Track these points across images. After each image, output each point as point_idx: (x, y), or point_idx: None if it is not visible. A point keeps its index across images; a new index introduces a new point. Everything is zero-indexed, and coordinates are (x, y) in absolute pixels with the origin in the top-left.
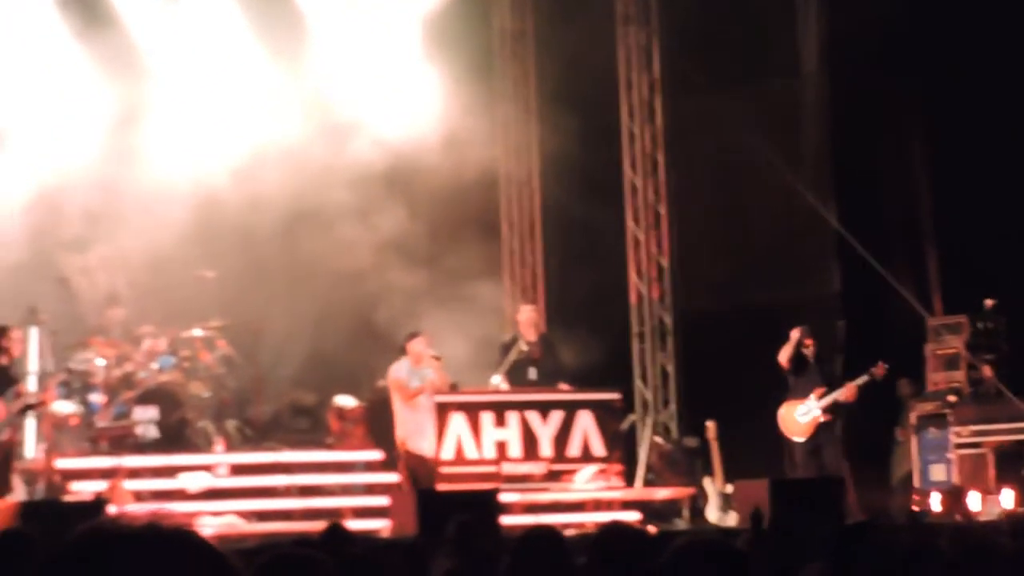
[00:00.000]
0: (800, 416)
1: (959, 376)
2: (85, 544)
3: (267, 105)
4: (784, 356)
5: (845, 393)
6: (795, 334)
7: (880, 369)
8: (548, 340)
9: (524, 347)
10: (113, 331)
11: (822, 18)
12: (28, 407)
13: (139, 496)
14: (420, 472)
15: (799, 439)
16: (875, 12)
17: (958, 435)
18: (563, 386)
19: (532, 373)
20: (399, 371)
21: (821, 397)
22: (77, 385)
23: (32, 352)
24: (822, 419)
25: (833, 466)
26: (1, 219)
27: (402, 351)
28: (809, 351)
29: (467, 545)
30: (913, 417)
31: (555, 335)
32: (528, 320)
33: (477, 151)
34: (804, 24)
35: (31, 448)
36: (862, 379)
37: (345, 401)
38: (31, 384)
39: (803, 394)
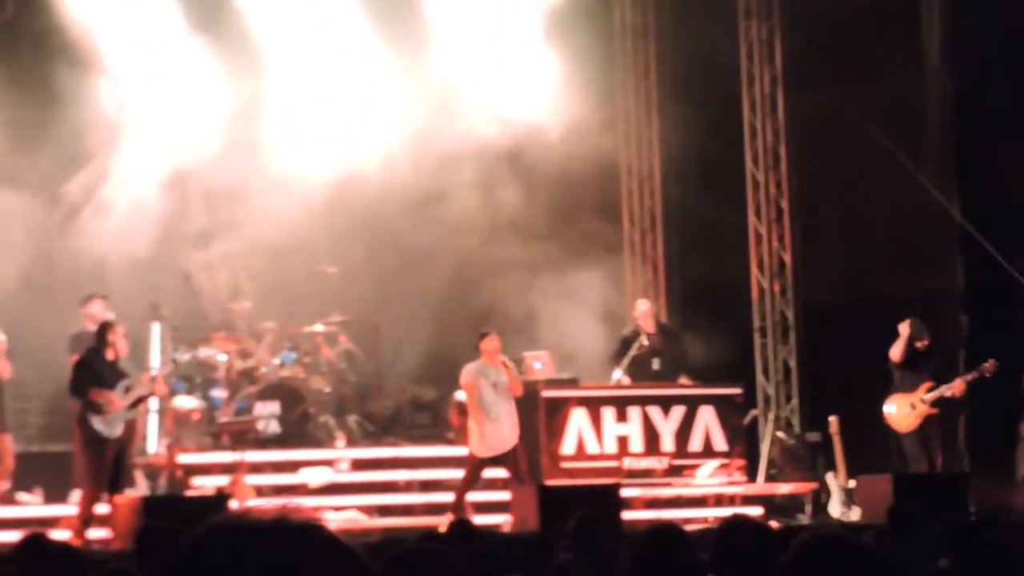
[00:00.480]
0: (909, 410)
1: None
2: (215, 538)
3: (388, 100)
4: (897, 351)
5: (953, 388)
6: (904, 328)
7: (991, 365)
8: (669, 330)
9: (645, 341)
10: (236, 327)
11: (945, 11)
12: (139, 400)
13: (261, 491)
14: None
15: (906, 433)
16: (998, 5)
17: None
18: (684, 380)
19: (656, 364)
20: (469, 372)
21: (929, 391)
22: (199, 380)
23: (154, 348)
24: (930, 413)
25: (941, 460)
26: (125, 215)
27: (476, 351)
28: (921, 345)
29: (587, 540)
30: None
31: (676, 328)
32: (645, 313)
33: (598, 146)
34: (927, 17)
35: (153, 443)
36: (971, 375)
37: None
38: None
39: (911, 388)
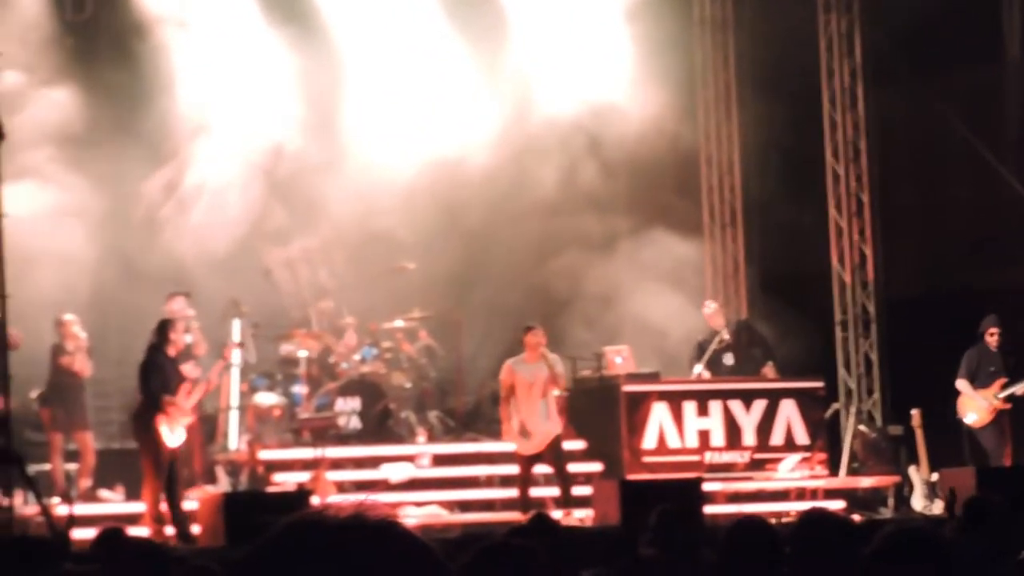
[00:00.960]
0: (981, 404)
1: None
2: (291, 534)
3: (467, 92)
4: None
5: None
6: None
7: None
8: (743, 325)
9: (726, 336)
10: (317, 323)
11: None
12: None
13: (342, 487)
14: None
15: (978, 427)
16: None
17: None
18: (767, 370)
19: (728, 359)
20: (505, 368)
21: (1003, 388)
22: (280, 377)
23: (235, 345)
24: (1003, 408)
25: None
26: (205, 212)
27: (521, 345)
28: (993, 340)
29: (669, 534)
30: None
31: (757, 322)
32: (713, 314)
33: (678, 139)
34: (1007, 9)
35: (234, 440)
36: None
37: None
38: (235, 377)
39: (985, 383)
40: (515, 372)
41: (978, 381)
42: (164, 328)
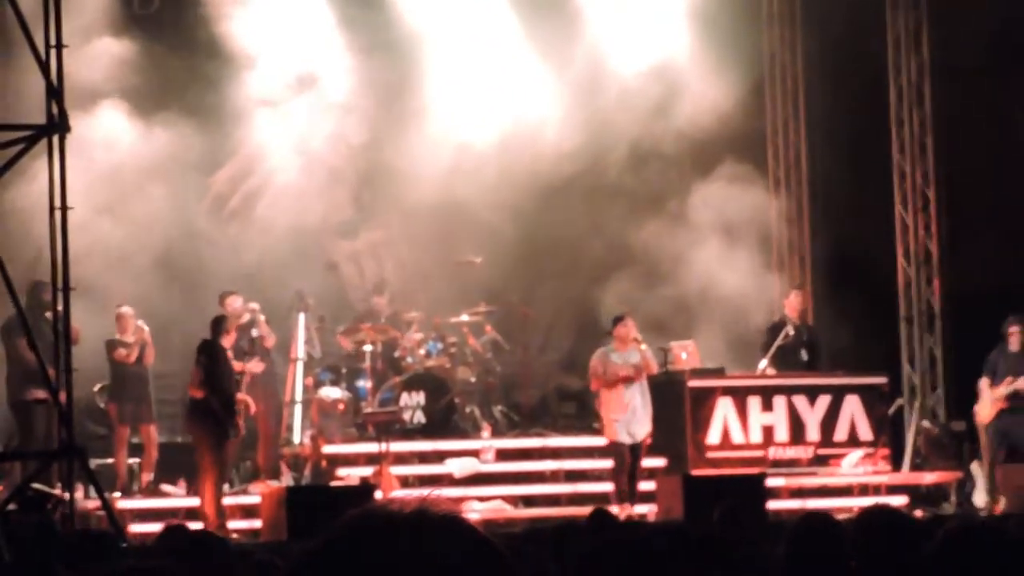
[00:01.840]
0: (989, 401)
1: None
2: (355, 527)
3: (530, 85)
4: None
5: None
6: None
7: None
8: (813, 329)
9: (791, 331)
10: (381, 317)
11: None
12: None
13: (405, 481)
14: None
15: (984, 423)
16: None
17: None
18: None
19: (804, 355)
20: (596, 356)
21: (1009, 385)
22: (344, 371)
23: (300, 337)
24: (1003, 406)
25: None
26: (271, 205)
27: (610, 335)
28: (1014, 339)
29: (732, 530)
30: None
31: (823, 317)
32: (795, 303)
33: (746, 133)
34: None
35: (298, 434)
36: None
37: None
38: (299, 371)
39: (1000, 380)
40: (604, 362)
41: (996, 379)
42: (219, 323)
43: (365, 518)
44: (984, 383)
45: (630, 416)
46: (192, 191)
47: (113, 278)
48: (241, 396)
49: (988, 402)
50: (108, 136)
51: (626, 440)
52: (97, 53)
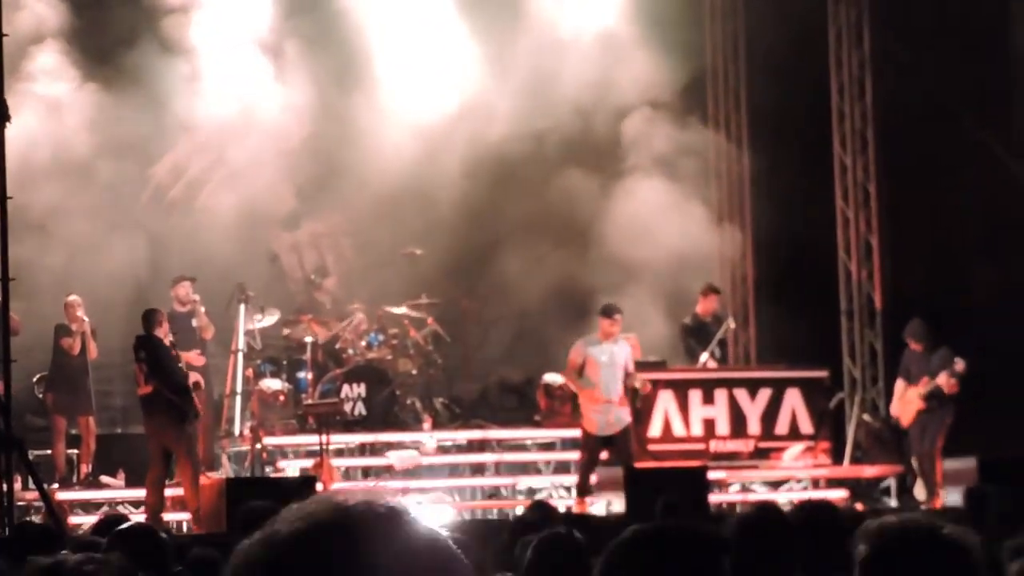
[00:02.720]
0: (908, 401)
1: None
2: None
3: (475, 78)
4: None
5: (943, 383)
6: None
7: (959, 366)
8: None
9: (732, 324)
10: (322, 308)
11: None
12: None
13: (346, 473)
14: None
15: (906, 426)
16: None
17: None
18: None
19: (718, 352)
20: (577, 346)
21: (927, 386)
22: (285, 362)
23: (240, 330)
24: (921, 407)
25: (928, 450)
26: (211, 196)
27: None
28: (916, 347)
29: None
30: None
31: (764, 312)
32: (710, 306)
33: (687, 125)
34: (1016, 2)
35: (238, 425)
36: (943, 375)
37: (553, 378)
38: (240, 361)
39: (916, 380)
40: (586, 351)
41: (911, 380)
42: (150, 317)
43: (309, 511)
44: (899, 385)
45: (607, 409)
46: (133, 181)
47: (55, 269)
48: (194, 376)
49: (905, 404)
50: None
51: (601, 433)
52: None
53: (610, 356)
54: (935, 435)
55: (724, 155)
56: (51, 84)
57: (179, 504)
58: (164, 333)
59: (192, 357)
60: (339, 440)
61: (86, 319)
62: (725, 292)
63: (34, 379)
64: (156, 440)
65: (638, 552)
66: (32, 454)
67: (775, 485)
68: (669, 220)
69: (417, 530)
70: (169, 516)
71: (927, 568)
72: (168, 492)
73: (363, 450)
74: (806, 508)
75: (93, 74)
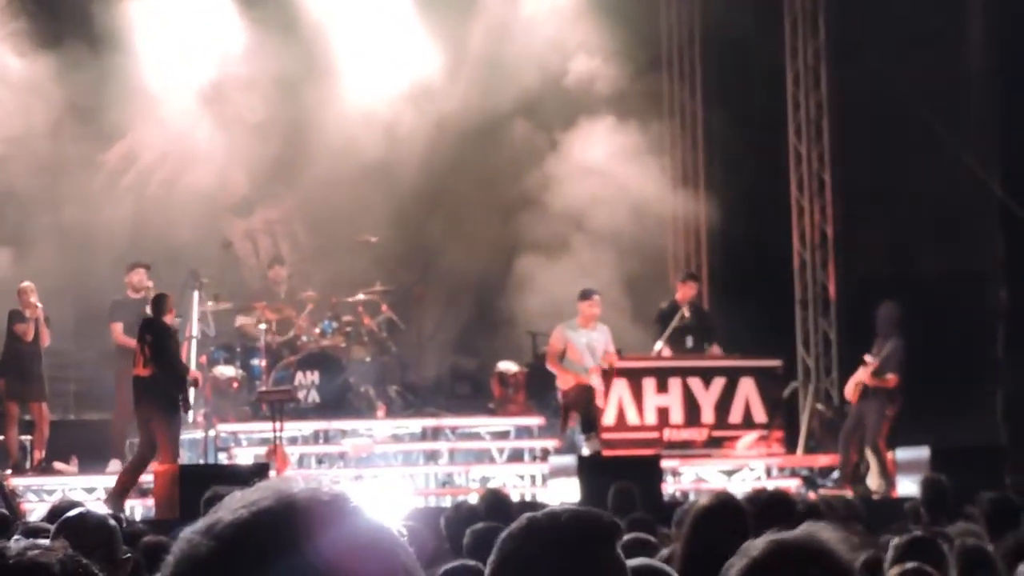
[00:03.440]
0: (855, 378)
1: None
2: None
3: (426, 66)
4: None
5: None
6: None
7: (871, 363)
8: (702, 308)
9: (687, 313)
10: (277, 295)
11: None
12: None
13: (300, 460)
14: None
15: (851, 398)
16: None
17: None
18: (715, 350)
19: (689, 341)
20: (556, 333)
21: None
22: (239, 349)
23: (193, 317)
24: (864, 380)
25: (869, 437)
26: (165, 183)
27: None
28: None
29: (626, 511)
30: None
31: (719, 301)
32: (687, 292)
33: (642, 114)
34: None
35: (192, 412)
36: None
37: (507, 366)
38: (193, 348)
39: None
40: (567, 337)
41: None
42: (161, 302)
43: (252, 500)
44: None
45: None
46: (86, 166)
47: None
48: (194, 373)
49: (854, 380)
50: None
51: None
52: None
53: (589, 340)
54: (873, 425)
55: (680, 143)
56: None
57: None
58: (171, 319)
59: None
60: (293, 427)
61: (39, 305)
62: (674, 283)
63: None
64: (144, 424)
65: (531, 540)
66: None
67: (729, 474)
68: (624, 203)
69: (361, 519)
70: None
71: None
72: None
73: (317, 437)
74: (762, 498)
75: (46, 55)
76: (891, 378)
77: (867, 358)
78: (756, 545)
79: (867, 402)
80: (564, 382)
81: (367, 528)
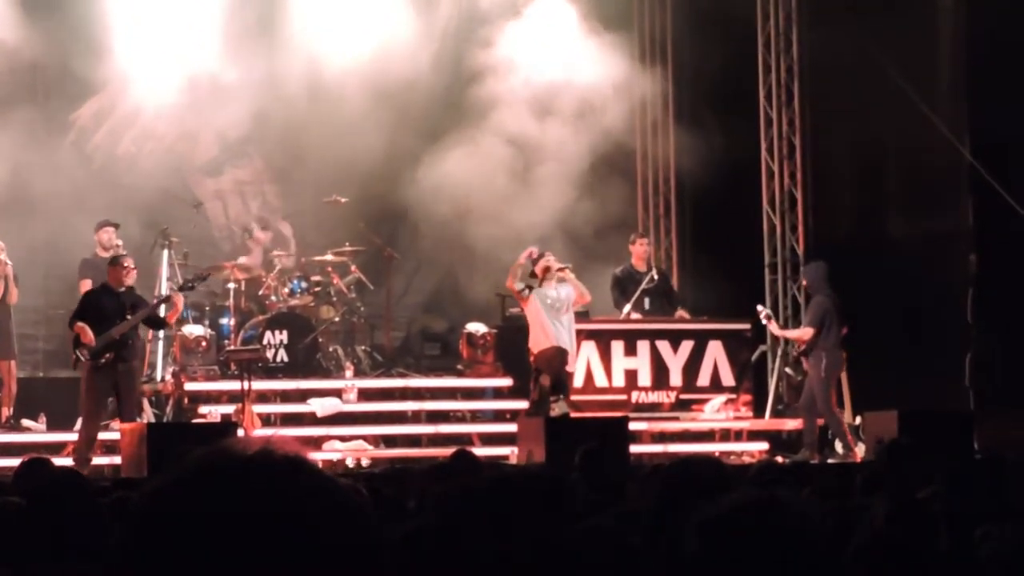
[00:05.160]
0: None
1: None
2: (196, 468)
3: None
4: None
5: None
6: None
7: (760, 313)
8: (660, 271)
9: (656, 276)
10: (256, 254)
11: None
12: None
13: (267, 420)
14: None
15: None
16: None
17: None
18: (682, 314)
19: (646, 303)
20: (529, 301)
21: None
22: (207, 308)
23: (163, 275)
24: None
25: (819, 403)
26: (136, 142)
27: (532, 276)
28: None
29: (593, 473)
30: None
31: (687, 264)
32: (641, 252)
33: (613, 76)
34: None
35: (160, 371)
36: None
37: (476, 327)
38: (162, 307)
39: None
40: (535, 298)
41: None
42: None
43: (209, 458)
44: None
45: (548, 333)
46: (56, 127)
47: None
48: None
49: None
50: None
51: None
52: None
53: (553, 297)
54: (818, 390)
55: (650, 107)
56: None
57: (101, 448)
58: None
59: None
60: (261, 386)
61: (8, 263)
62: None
63: None
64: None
65: (480, 503)
66: None
67: (696, 437)
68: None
69: (317, 479)
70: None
71: (765, 541)
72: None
73: (284, 397)
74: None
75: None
76: (799, 333)
77: (759, 308)
78: (716, 503)
79: (810, 368)
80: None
81: (323, 488)
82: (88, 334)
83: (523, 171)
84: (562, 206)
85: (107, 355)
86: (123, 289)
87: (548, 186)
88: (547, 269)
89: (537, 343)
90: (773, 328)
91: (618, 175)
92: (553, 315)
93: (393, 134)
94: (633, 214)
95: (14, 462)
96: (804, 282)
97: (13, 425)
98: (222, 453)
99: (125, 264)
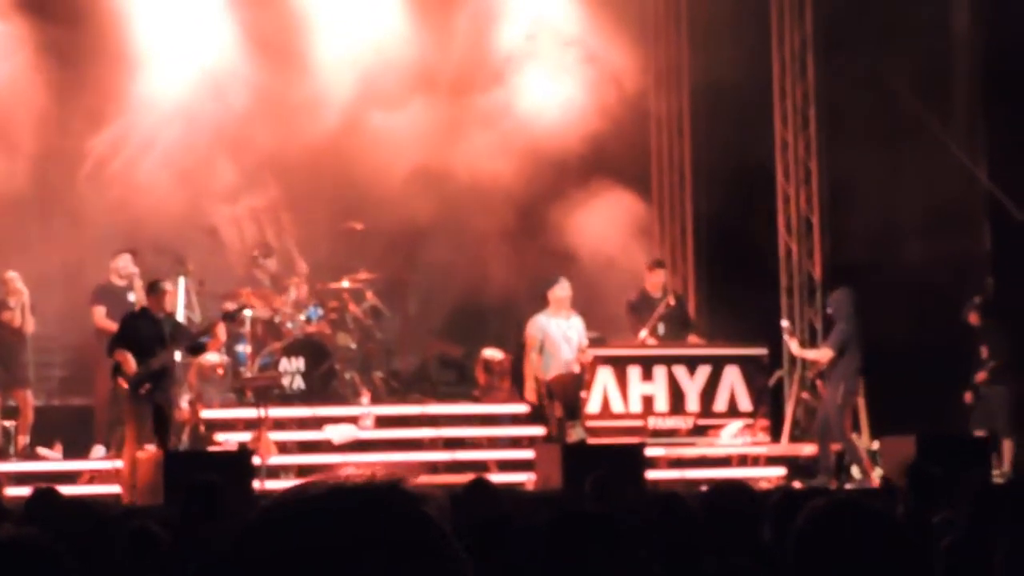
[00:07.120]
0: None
1: None
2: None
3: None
4: None
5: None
6: None
7: (783, 328)
8: (675, 296)
9: (672, 302)
10: (262, 282)
11: None
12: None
13: (284, 447)
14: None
15: None
16: None
17: None
18: (693, 339)
19: (661, 329)
20: (535, 324)
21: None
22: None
23: (180, 302)
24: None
25: (833, 430)
26: (152, 170)
27: (544, 300)
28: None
29: (605, 499)
30: None
31: (704, 288)
32: (657, 280)
33: (628, 97)
34: None
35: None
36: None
37: (492, 354)
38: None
39: None
40: (543, 326)
41: None
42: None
43: (312, 493)
44: None
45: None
46: (72, 153)
47: None
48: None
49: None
50: None
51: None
52: None
53: (565, 330)
54: (833, 416)
55: (666, 129)
56: None
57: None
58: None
59: None
60: (277, 414)
61: (24, 291)
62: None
63: None
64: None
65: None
66: None
67: (714, 463)
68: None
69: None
70: (104, 488)
71: (857, 541)
72: (106, 465)
73: (301, 424)
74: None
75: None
76: (817, 355)
77: (783, 322)
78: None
79: (826, 393)
80: (529, 392)
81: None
82: (130, 363)
83: (538, 195)
84: (576, 230)
85: (146, 385)
86: (162, 315)
87: (562, 210)
88: (564, 299)
89: (551, 369)
90: (793, 345)
91: (633, 199)
92: (565, 344)
93: (410, 159)
94: (648, 241)
95: (30, 491)
96: (830, 310)
97: (29, 454)
98: (324, 488)
99: (165, 289)
